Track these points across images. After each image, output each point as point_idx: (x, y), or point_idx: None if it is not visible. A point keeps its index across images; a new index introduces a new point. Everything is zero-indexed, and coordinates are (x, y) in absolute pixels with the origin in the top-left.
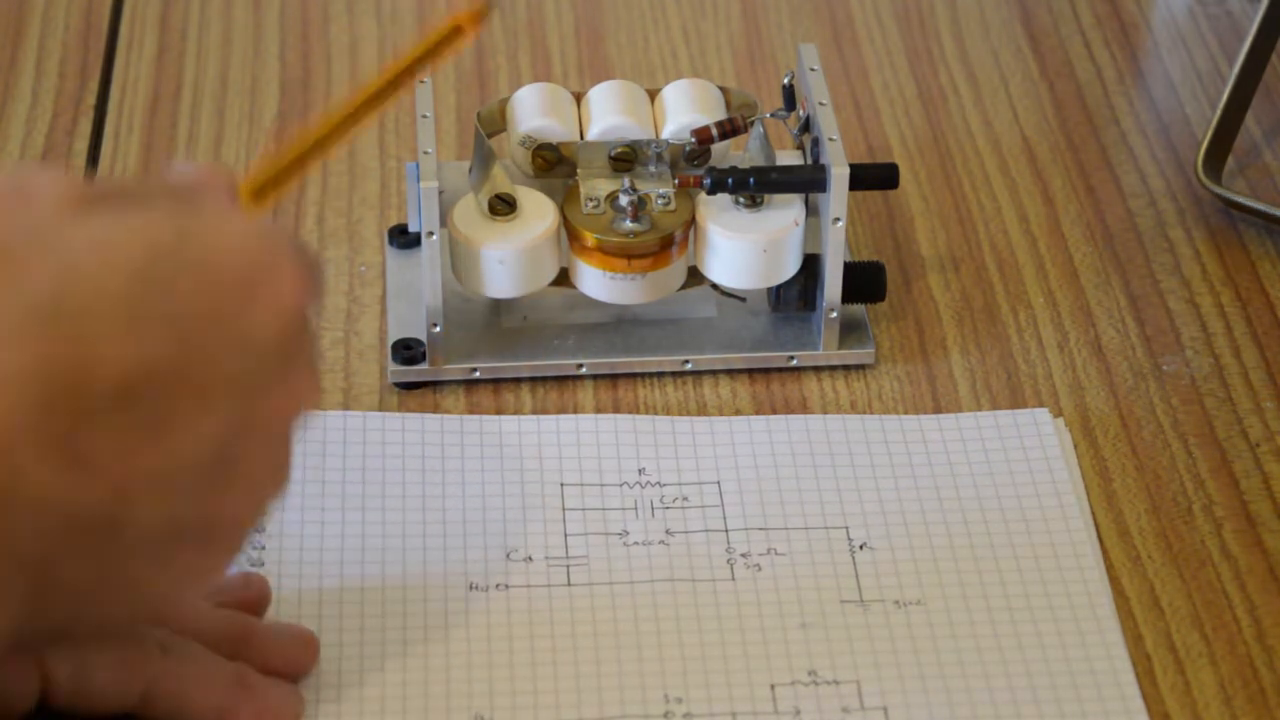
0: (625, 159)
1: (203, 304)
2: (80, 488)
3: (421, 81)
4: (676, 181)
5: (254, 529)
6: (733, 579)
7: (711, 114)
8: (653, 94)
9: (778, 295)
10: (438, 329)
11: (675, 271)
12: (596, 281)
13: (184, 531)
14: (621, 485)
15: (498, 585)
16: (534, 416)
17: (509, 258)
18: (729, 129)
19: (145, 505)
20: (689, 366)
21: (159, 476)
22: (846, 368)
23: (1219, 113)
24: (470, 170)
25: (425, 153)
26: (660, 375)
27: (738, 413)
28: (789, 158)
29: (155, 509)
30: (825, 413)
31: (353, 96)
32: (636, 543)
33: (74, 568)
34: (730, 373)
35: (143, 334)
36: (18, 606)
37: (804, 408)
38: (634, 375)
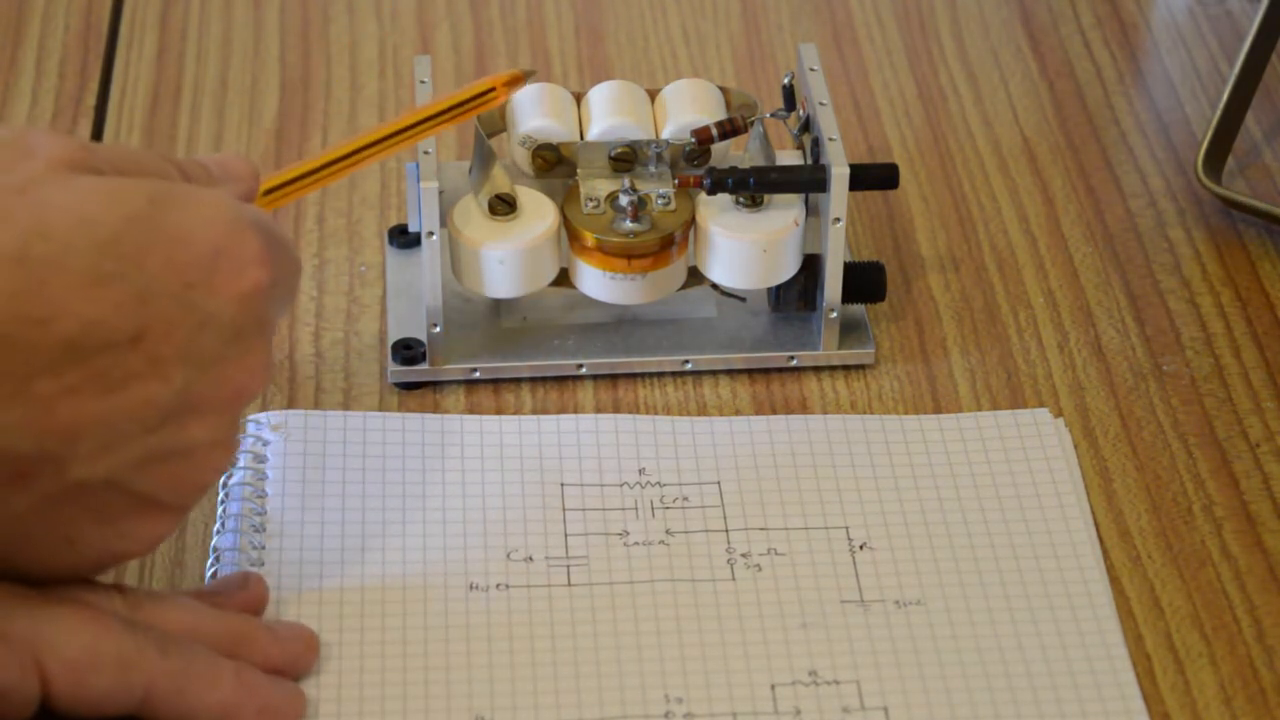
0: (625, 159)
1: (166, 277)
2: (29, 424)
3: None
4: (676, 181)
5: (192, 505)
6: (733, 579)
7: (711, 114)
8: (653, 94)
9: (778, 295)
10: (438, 329)
11: (675, 271)
12: (596, 281)
13: (125, 490)
14: (622, 485)
15: (498, 585)
16: (534, 416)
17: (509, 258)
18: (729, 129)
19: (89, 454)
20: (689, 366)
21: (106, 428)
22: (846, 368)
23: (1219, 113)
24: (470, 170)
25: (425, 153)
26: (660, 375)
27: (738, 413)
28: (789, 158)
29: (98, 460)
30: (825, 413)
31: (378, 128)
32: (637, 543)
33: (13, 502)
34: (730, 373)
35: (103, 297)
36: None
37: (804, 408)
38: (634, 375)
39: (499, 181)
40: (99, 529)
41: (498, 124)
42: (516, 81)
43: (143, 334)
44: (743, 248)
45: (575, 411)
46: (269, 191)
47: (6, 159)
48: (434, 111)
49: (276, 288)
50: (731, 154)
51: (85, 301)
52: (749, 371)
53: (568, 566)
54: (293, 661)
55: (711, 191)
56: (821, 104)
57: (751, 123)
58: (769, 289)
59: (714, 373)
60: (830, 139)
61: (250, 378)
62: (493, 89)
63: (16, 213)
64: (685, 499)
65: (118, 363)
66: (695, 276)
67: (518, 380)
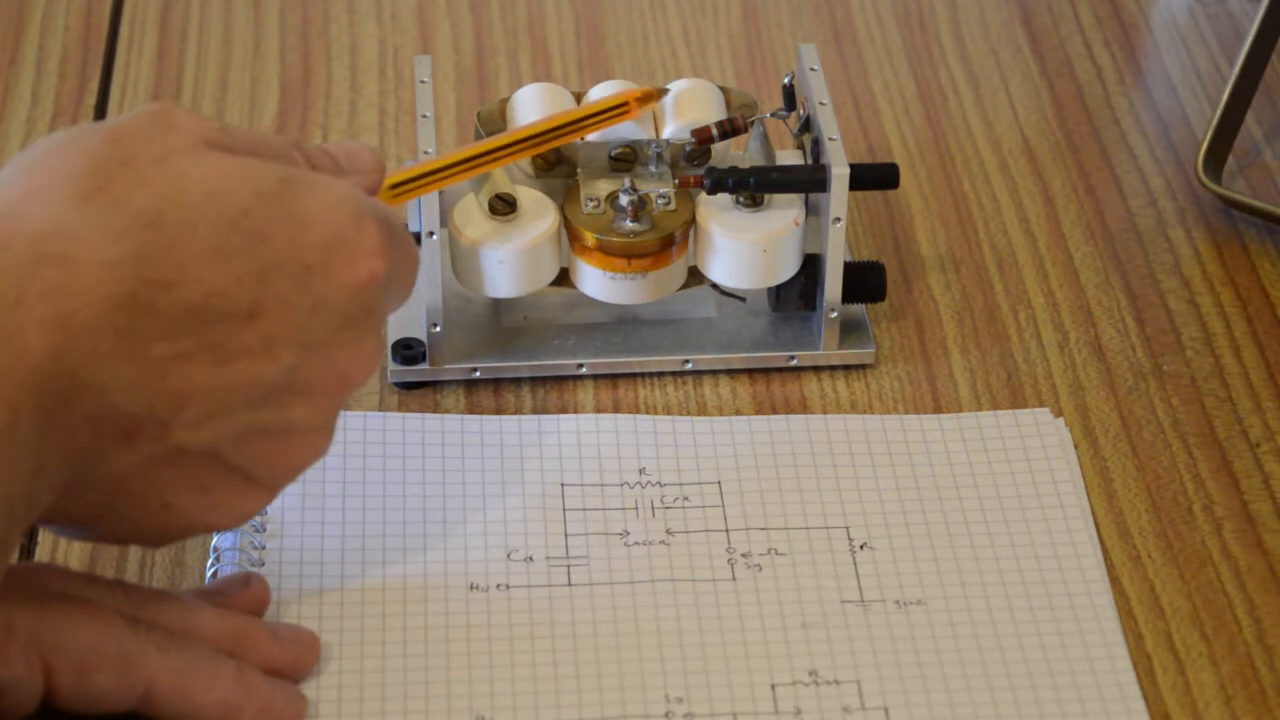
0: (625, 159)
1: (287, 257)
2: (141, 386)
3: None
4: (676, 181)
5: (284, 485)
6: (733, 579)
7: (711, 114)
8: None
9: (778, 295)
10: (438, 329)
11: (675, 271)
12: (596, 281)
13: (222, 462)
14: (622, 485)
15: (498, 585)
16: (534, 416)
17: (509, 258)
18: (729, 129)
19: (193, 421)
20: (689, 366)
21: (213, 397)
22: (846, 368)
23: (1219, 113)
24: None
25: (425, 152)
26: (660, 375)
27: (738, 413)
28: (789, 158)
29: (201, 428)
30: (825, 413)
31: (506, 134)
32: (637, 543)
33: (116, 459)
34: (730, 373)
35: (226, 268)
36: (62, 481)
37: (804, 408)
38: (634, 375)
39: (499, 181)
40: (194, 497)
41: (498, 124)
42: (650, 98)
43: (258, 310)
44: (743, 248)
45: (575, 411)
46: (394, 186)
47: (151, 130)
48: (565, 121)
49: (391, 281)
50: (731, 154)
51: (209, 270)
52: (749, 371)
53: (568, 566)
54: (294, 663)
55: (711, 191)
56: (821, 104)
57: (751, 123)
58: (769, 289)
59: (714, 373)
60: (830, 139)
61: (356, 366)
62: (625, 103)
63: (155, 179)
64: (685, 499)
65: (232, 335)
66: (695, 276)
67: (518, 380)
